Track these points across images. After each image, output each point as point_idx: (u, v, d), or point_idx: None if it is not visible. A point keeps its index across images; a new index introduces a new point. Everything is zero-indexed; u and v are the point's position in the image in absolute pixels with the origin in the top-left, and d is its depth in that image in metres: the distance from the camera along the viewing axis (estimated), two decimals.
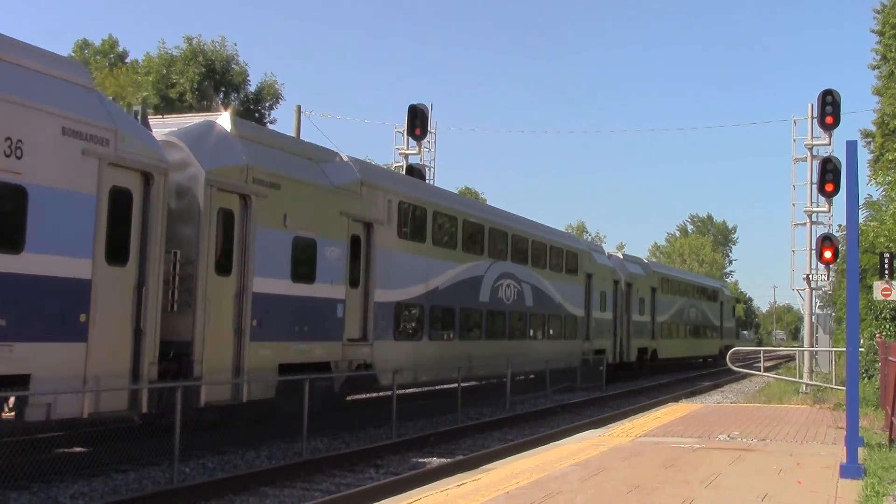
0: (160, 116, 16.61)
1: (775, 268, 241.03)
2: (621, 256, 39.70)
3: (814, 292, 28.16)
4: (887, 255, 22.67)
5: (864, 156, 43.76)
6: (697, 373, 43.41)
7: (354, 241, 17.48)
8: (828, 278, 28.49)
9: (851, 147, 10.78)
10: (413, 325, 20.11)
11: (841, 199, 24.45)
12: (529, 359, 25.67)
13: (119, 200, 11.92)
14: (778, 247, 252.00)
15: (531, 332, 26.76)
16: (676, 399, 26.80)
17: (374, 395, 21.85)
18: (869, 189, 45.42)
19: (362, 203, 17.77)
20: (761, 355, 31.06)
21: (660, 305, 42.05)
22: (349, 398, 19.02)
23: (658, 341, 41.57)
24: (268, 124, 42.52)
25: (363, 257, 17.82)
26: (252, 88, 43.83)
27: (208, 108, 40.32)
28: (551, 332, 28.38)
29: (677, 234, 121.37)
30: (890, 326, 25.19)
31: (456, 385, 20.02)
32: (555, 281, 28.61)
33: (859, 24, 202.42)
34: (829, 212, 26.92)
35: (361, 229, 17.75)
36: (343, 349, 16.94)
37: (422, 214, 20.66)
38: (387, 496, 9.50)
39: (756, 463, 11.16)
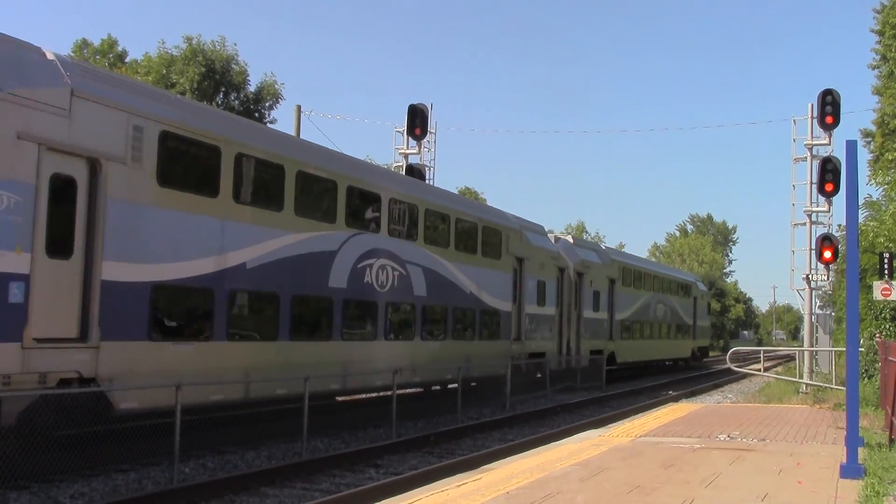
0: None
1: (775, 268, 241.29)
2: (571, 240, 33.30)
3: (814, 292, 28.16)
4: (887, 254, 22.64)
5: (864, 156, 43.84)
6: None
7: (62, 185, 11.56)
8: (828, 278, 28.50)
9: (851, 147, 10.77)
10: (193, 318, 14.04)
11: (841, 198, 24.50)
12: (420, 365, 19.91)
13: None
14: (778, 247, 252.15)
15: (425, 330, 20.66)
16: (676, 399, 26.81)
17: (373, 395, 21.70)
18: (869, 189, 45.50)
19: (76, 126, 11.64)
20: (761, 355, 31.03)
21: (620, 300, 36.27)
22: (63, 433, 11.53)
23: (617, 342, 35.70)
24: (268, 124, 42.51)
25: (80, 211, 11.80)
26: (252, 88, 43.83)
27: None
28: (460, 330, 22.25)
29: (677, 234, 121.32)
30: (890, 326, 25.17)
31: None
32: (464, 265, 22.39)
33: (859, 24, 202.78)
34: (828, 212, 26.93)
35: (79, 168, 11.80)
36: (23, 355, 10.83)
37: (209, 155, 14.15)
38: (387, 496, 9.49)
39: (756, 463, 11.16)
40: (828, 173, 24.56)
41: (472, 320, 23.02)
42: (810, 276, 26.89)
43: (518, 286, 25.66)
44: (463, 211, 23.30)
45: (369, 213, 18.82)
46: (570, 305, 30.41)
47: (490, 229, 24.25)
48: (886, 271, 22.38)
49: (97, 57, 49.87)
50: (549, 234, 30.88)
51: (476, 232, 23.47)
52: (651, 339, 41.72)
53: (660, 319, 42.98)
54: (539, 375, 26.65)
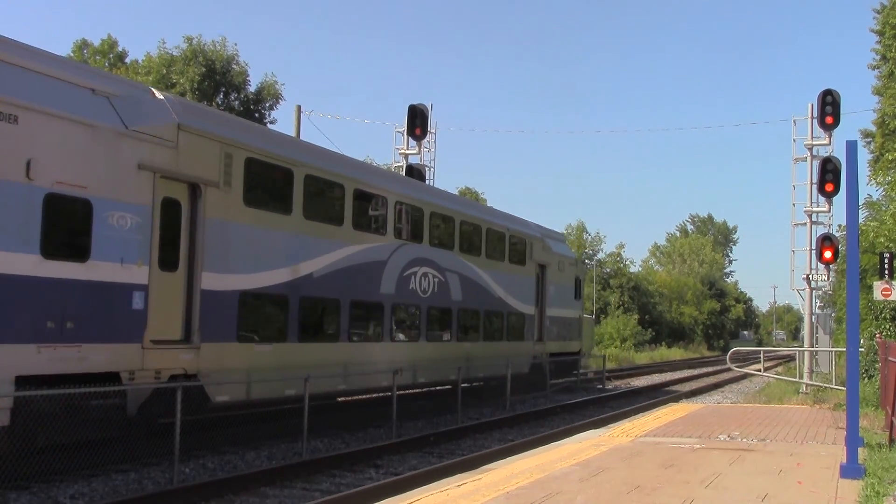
0: None
1: (775, 268, 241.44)
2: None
3: (814, 292, 28.14)
4: (887, 255, 22.66)
5: (864, 156, 43.83)
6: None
7: None
8: (828, 278, 28.48)
9: (851, 147, 10.77)
10: None
11: (841, 199, 24.48)
12: None
13: None
14: (778, 247, 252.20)
15: None
16: (676, 399, 26.79)
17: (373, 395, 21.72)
18: (869, 189, 45.53)
19: None
20: (761, 355, 31.02)
21: (233, 240, 14.21)
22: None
23: (206, 351, 13.50)
24: (268, 124, 42.55)
25: None
26: (252, 88, 43.86)
27: None
28: None
29: (677, 234, 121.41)
30: (890, 326, 25.20)
31: None
32: None
33: (859, 24, 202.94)
34: (829, 212, 26.91)
35: None
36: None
37: None
38: (387, 496, 9.49)
39: (756, 463, 11.16)
40: (828, 173, 24.55)
41: None
42: (810, 276, 26.87)
43: None
44: None
45: None
46: None
47: None
48: (887, 271, 22.39)
49: (97, 57, 49.90)
50: None
51: None
52: (373, 340, 18.73)
53: (423, 300, 20.53)
54: None
